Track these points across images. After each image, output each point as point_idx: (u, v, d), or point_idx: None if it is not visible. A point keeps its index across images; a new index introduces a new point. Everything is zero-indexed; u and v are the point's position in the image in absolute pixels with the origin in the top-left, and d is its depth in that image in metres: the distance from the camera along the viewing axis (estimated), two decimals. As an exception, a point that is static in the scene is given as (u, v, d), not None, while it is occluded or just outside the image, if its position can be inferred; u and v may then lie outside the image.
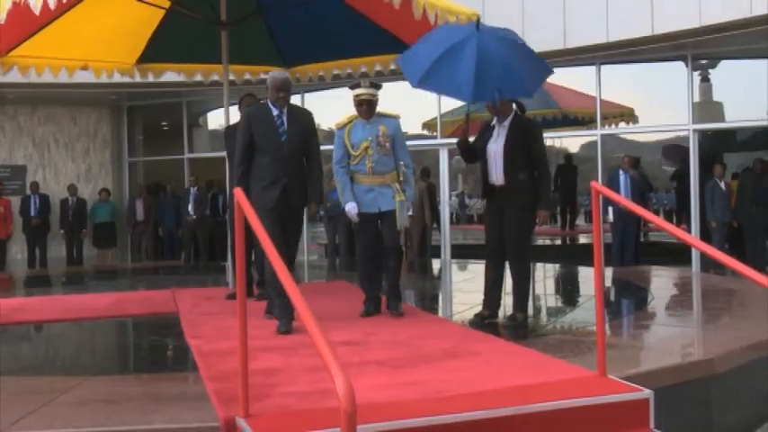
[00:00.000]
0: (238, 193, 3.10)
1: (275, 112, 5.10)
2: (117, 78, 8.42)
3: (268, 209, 4.97)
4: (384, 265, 5.58)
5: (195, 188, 13.55)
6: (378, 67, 8.01)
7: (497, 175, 5.40)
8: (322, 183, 5.48)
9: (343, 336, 4.72)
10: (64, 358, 5.12)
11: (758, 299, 6.06)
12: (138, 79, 8.56)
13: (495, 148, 5.41)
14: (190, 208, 13.50)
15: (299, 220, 5.35)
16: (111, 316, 6.40)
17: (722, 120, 12.69)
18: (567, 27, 10.84)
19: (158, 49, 7.97)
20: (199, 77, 8.53)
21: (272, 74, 5.21)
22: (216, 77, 8.27)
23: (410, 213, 6.48)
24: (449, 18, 6.18)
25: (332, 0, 6.95)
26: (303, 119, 5.23)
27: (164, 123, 16.62)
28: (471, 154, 5.65)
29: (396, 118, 5.58)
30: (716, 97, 12.60)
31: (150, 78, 8.53)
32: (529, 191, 5.37)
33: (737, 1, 9.71)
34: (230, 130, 6.61)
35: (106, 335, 6.03)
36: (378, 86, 5.47)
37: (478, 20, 5.67)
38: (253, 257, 6.37)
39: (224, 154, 6.94)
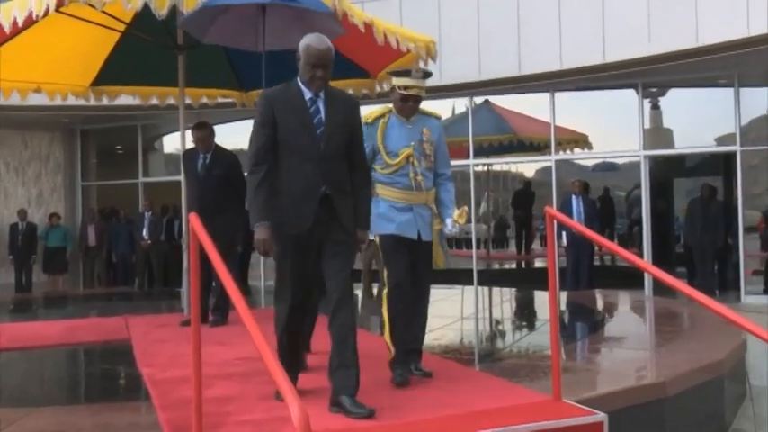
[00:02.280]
0: (193, 219, 3.07)
1: (308, 96, 3.64)
2: (71, 101, 8.30)
3: (298, 236, 3.59)
4: (411, 307, 4.24)
5: (150, 213, 13.38)
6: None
7: None
8: (371, 199, 4.01)
9: (310, 361, 4.67)
10: (10, 389, 4.97)
11: (708, 322, 6.18)
12: (92, 102, 8.45)
13: None
14: (144, 233, 13.31)
15: (347, 252, 3.68)
16: (61, 344, 6.24)
17: (672, 146, 12.99)
18: (522, 55, 11.03)
19: (113, 72, 7.88)
20: (154, 101, 8.45)
21: (307, 41, 3.63)
22: (172, 101, 8.20)
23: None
24: (409, 44, 6.26)
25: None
26: (346, 105, 3.76)
27: (118, 147, 16.42)
28: None
29: (438, 118, 4.44)
30: (666, 124, 12.90)
31: (105, 101, 8.43)
32: None
33: (685, 31, 10.01)
34: (188, 154, 6.55)
35: (56, 364, 5.88)
36: (429, 75, 4.25)
37: None
38: (212, 282, 6.28)
39: (180, 178, 6.87)
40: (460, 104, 13.52)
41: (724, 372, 4.86)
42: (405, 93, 4.16)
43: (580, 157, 13.60)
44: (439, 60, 6.72)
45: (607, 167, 15.49)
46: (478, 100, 13.24)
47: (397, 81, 4.20)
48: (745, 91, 11.54)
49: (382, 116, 4.22)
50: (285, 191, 3.61)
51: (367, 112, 4.17)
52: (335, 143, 3.65)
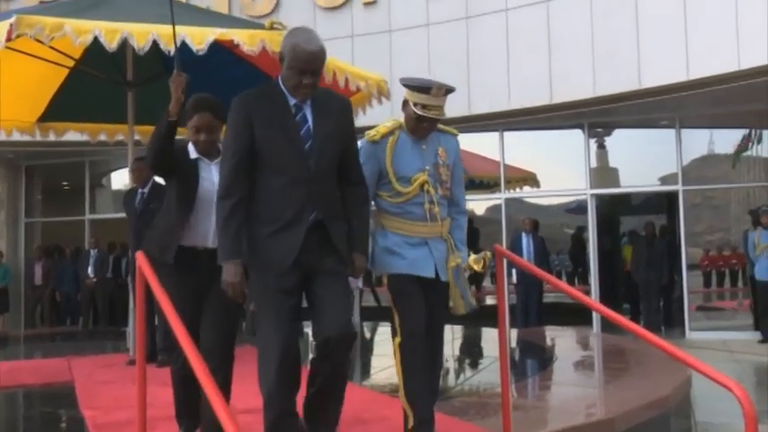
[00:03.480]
0: (140, 257, 3.01)
1: (293, 101, 3.01)
2: (16, 137, 8.15)
3: (282, 274, 2.95)
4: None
5: (95, 250, 13.12)
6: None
7: None
8: (369, 221, 3.38)
9: (250, 402, 4.59)
10: (-55, 433, 4.78)
11: (654, 358, 6.27)
12: (38, 138, 8.31)
13: None
14: (89, 270, 13.03)
15: (343, 284, 3.13)
16: (0, 387, 6.03)
17: (617, 185, 13.29)
18: (472, 95, 11.21)
19: (61, 108, 7.78)
20: (103, 137, 8.35)
21: (294, 39, 2.98)
22: (121, 137, 8.11)
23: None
24: (359, 83, 6.32)
25: (241, 64, 6.98)
26: (337, 109, 3.12)
27: (64, 183, 16.10)
28: None
29: (455, 136, 3.75)
30: (611, 163, 13.21)
31: (51, 137, 8.29)
32: None
33: (628, 74, 10.30)
34: (129, 194, 6.53)
35: (-6, 406, 5.67)
36: (452, 91, 3.54)
37: None
38: (156, 322, 6.16)
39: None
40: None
41: (670, 408, 4.94)
42: (421, 113, 3.44)
43: (529, 194, 13.81)
44: (391, 98, 6.78)
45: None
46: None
47: (412, 96, 3.48)
48: (686, 132, 11.92)
49: (391, 133, 3.51)
50: (264, 219, 2.97)
51: (373, 127, 3.59)
52: (327, 158, 3.01)
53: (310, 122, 3.01)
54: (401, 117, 3.56)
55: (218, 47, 5.66)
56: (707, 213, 13.97)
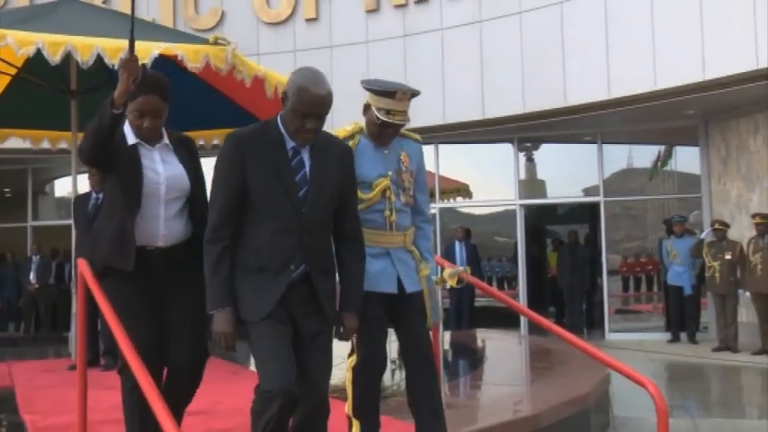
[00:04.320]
0: (81, 263, 2.95)
1: (290, 144, 2.71)
2: (-44, 144, 7.85)
3: (261, 321, 2.64)
4: (412, 386, 3.22)
5: (38, 256, 12.73)
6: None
7: None
8: (363, 278, 2.93)
9: (193, 405, 4.52)
10: None
11: (576, 358, 6.41)
12: (-21, 145, 8.02)
13: None
14: (31, 276, 12.64)
15: (326, 347, 2.78)
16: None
17: (544, 196, 13.55)
18: (409, 110, 11.31)
19: (3, 115, 7.51)
20: (46, 144, 8.11)
21: (301, 82, 2.68)
22: (64, 145, 7.90)
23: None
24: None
25: (185, 74, 6.89)
26: (337, 157, 2.81)
27: (7, 190, 15.58)
28: None
29: (419, 141, 3.47)
30: (539, 175, 13.47)
31: (-7, 144, 8.01)
32: None
33: (555, 92, 10.54)
34: (80, 199, 6.35)
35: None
36: (417, 94, 3.26)
37: None
38: (99, 326, 6.02)
39: (70, 221, 6.60)
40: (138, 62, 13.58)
41: (590, 404, 5.05)
42: (385, 119, 3.15)
43: (462, 204, 13.98)
44: (331, 112, 6.77)
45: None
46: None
47: (374, 101, 3.18)
48: (607, 147, 12.25)
49: (351, 137, 3.22)
50: (247, 267, 2.65)
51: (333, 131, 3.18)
52: (323, 207, 2.71)
53: (307, 168, 2.69)
54: (358, 121, 3.33)
55: (161, 57, 5.58)
56: (626, 223, 14.34)
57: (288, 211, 2.65)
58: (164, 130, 3.03)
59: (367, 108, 3.27)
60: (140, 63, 2.81)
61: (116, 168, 2.93)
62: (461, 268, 3.54)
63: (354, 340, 3.10)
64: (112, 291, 2.88)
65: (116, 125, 2.78)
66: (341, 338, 2.85)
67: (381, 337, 3.15)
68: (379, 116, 3.16)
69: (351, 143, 3.17)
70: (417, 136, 3.47)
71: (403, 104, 3.19)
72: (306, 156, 2.71)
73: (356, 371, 3.17)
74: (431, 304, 3.30)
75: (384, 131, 3.22)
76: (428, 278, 3.30)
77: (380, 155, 3.26)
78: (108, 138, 2.79)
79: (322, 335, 2.71)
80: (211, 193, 2.74)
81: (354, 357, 3.18)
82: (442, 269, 3.58)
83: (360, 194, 3.09)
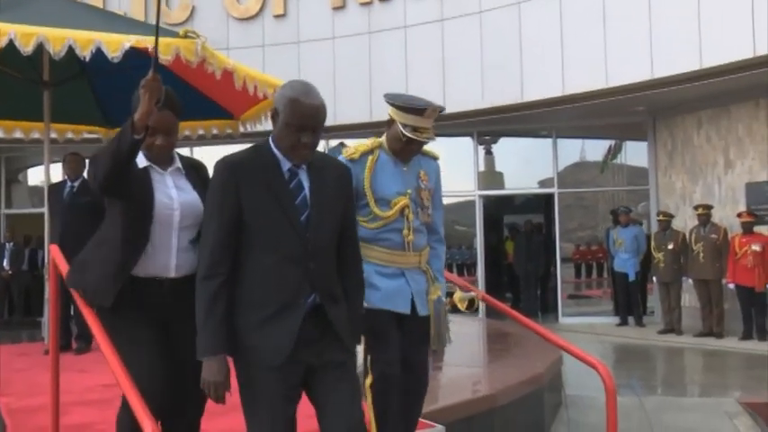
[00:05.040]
0: (54, 250, 2.89)
1: (286, 166, 2.42)
2: (-72, 132, 7.63)
3: (279, 372, 2.29)
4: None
5: (11, 243, 12.48)
6: (200, 131, 7.85)
7: None
8: (363, 303, 2.65)
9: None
10: None
11: (531, 340, 6.49)
12: (-49, 134, 7.81)
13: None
14: (5, 263, 12.38)
15: (352, 376, 2.44)
16: None
17: (503, 187, 13.66)
18: (373, 102, 11.28)
19: (-25, 105, 7.32)
20: (18, 134, 7.91)
21: (291, 93, 2.37)
22: (37, 135, 7.72)
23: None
24: (267, 90, 6.23)
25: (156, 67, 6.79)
26: (335, 176, 2.52)
27: (-21, 178, 15.19)
28: None
29: (437, 159, 3.28)
30: (497, 168, 13.56)
31: (-35, 133, 7.80)
32: None
33: (512, 88, 10.61)
34: (54, 187, 6.24)
35: None
36: (442, 110, 3.05)
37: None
38: (72, 311, 5.92)
39: (43, 210, 6.47)
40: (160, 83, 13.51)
41: (544, 383, 5.11)
42: (411, 136, 2.95)
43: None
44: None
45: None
46: (334, 142, 13.38)
47: (400, 117, 2.95)
48: (561, 141, 12.39)
49: (371, 152, 3.01)
50: (251, 304, 2.32)
51: (352, 145, 3.08)
52: (327, 231, 2.42)
53: (306, 190, 2.39)
54: (377, 136, 3.09)
55: (133, 50, 5.48)
56: (578, 213, 14.53)
57: (291, 238, 2.33)
58: (175, 153, 2.72)
59: (391, 123, 3.03)
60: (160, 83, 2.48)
61: (127, 194, 2.56)
62: (474, 293, 3.31)
63: (369, 361, 2.91)
64: (117, 322, 2.56)
65: (136, 151, 2.47)
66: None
67: (395, 350, 2.92)
68: (405, 133, 2.94)
69: (369, 158, 2.99)
70: (436, 153, 3.26)
71: (430, 121, 2.99)
72: (303, 177, 2.40)
73: (374, 389, 2.91)
74: (437, 329, 3.07)
75: (407, 148, 3.01)
76: (438, 300, 3.08)
77: (400, 171, 3.03)
78: (127, 164, 2.48)
79: (344, 365, 2.39)
80: (204, 225, 2.41)
81: (370, 377, 2.93)
82: (452, 293, 3.32)
83: (377, 212, 2.95)
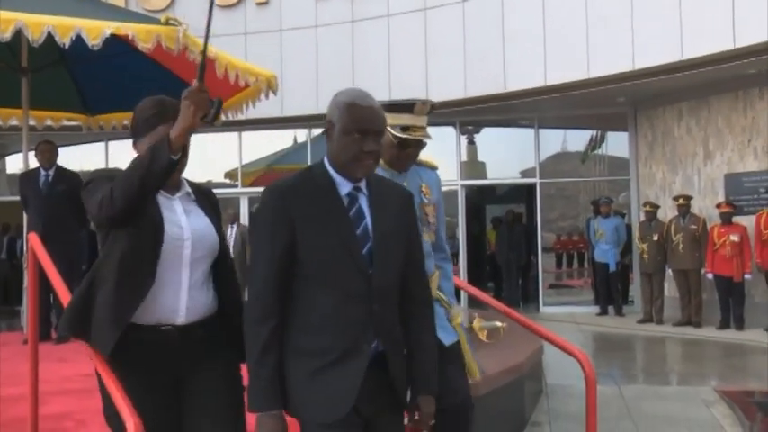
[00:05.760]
0: (32, 238, 2.86)
1: (345, 190, 2.12)
2: None
3: (331, 428, 2.01)
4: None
5: (-11, 232, 12.34)
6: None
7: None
8: (436, 351, 2.28)
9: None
10: None
11: (512, 329, 6.52)
12: (-73, 120, 7.67)
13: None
14: (-17, 252, 12.25)
15: None
16: None
17: (485, 177, 13.69)
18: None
19: (-49, 92, 7.20)
20: (-4, 121, 7.81)
21: (346, 98, 2.12)
22: (15, 122, 7.61)
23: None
24: (249, 79, 6.20)
25: (136, 54, 6.72)
26: (397, 200, 2.21)
27: (-43, 166, 15.00)
28: None
29: (436, 169, 3.03)
30: (479, 158, 13.59)
31: (-58, 120, 7.68)
32: None
33: (495, 79, 10.63)
34: (28, 175, 6.17)
35: None
36: (436, 108, 2.87)
37: None
38: (52, 300, 5.87)
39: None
40: (301, 135, 13.56)
41: (525, 372, 5.15)
42: (405, 136, 2.69)
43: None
44: (281, 93, 6.71)
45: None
46: (317, 131, 13.34)
47: (391, 119, 2.59)
48: (543, 131, 12.44)
49: None
50: (307, 350, 2.03)
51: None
52: (392, 267, 2.12)
53: (368, 219, 2.09)
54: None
55: (113, 37, 5.41)
56: (559, 203, 14.61)
57: (353, 274, 2.04)
58: (183, 177, 2.32)
59: (389, 135, 2.70)
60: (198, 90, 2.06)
61: (136, 224, 2.12)
62: (500, 324, 2.99)
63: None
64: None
65: (172, 172, 2.06)
66: (416, 426, 2.20)
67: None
68: (396, 134, 2.68)
69: None
70: (434, 163, 3.00)
71: (422, 119, 2.74)
72: (364, 203, 2.11)
73: None
74: (472, 354, 2.80)
75: (404, 153, 2.73)
76: (462, 325, 2.80)
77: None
78: (157, 190, 2.11)
79: (396, 425, 2.16)
80: (252, 261, 2.09)
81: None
82: (471, 320, 2.98)
83: None
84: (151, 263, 2.12)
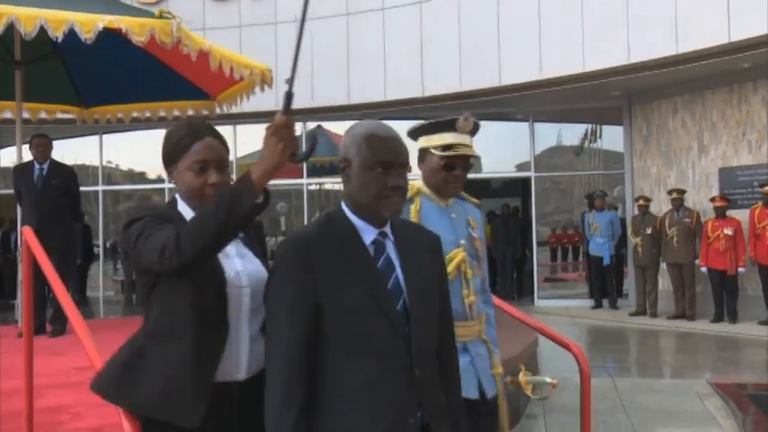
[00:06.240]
0: (26, 232, 2.85)
1: (369, 237, 1.84)
2: None
3: None
4: None
5: (-17, 225, 12.30)
6: (176, 112, 7.78)
7: None
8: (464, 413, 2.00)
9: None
10: None
11: (507, 322, 6.53)
12: None
13: None
14: (-23, 245, 12.21)
15: None
16: None
17: (479, 170, 13.68)
18: (351, 85, 11.24)
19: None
20: (-10, 114, 7.77)
21: (365, 129, 1.87)
22: (9, 115, 7.59)
23: None
24: (244, 72, 6.18)
25: (130, 46, 6.70)
26: (426, 247, 1.96)
27: (-50, 159, 14.92)
28: None
29: (479, 206, 2.81)
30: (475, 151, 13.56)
31: (-65, 113, 7.64)
32: None
33: (490, 72, 10.61)
34: (21, 167, 6.16)
35: None
36: (478, 127, 2.60)
37: None
38: (47, 294, 5.86)
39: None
40: (296, 127, 13.54)
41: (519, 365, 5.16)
42: (450, 153, 2.49)
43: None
44: (275, 86, 6.69)
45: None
46: (312, 124, 13.32)
47: (431, 141, 2.51)
48: (538, 125, 12.45)
49: (411, 200, 2.47)
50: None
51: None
52: (431, 326, 1.85)
53: (398, 269, 1.82)
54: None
55: (106, 30, 5.40)
56: (554, 197, 14.64)
57: (388, 337, 1.74)
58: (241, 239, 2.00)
59: (423, 155, 2.56)
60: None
61: (198, 269, 1.82)
62: (550, 379, 2.78)
63: None
64: None
65: (254, 218, 1.77)
66: None
67: None
68: (441, 154, 2.50)
69: (411, 207, 2.46)
70: (476, 200, 2.79)
71: (466, 136, 2.53)
72: (392, 251, 1.84)
73: None
74: (506, 408, 2.57)
75: (451, 175, 2.51)
76: (502, 376, 2.59)
77: (448, 219, 2.53)
78: (236, 235, 1.82)
79: None
80: (270, 331, 1.77)
81: None
82: (519, 371, 2.74)
83: None
84: (222, 312, 1.87)
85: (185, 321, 1.83)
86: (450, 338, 1.96)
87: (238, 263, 1.94)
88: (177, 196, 1.97)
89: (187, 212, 1.92)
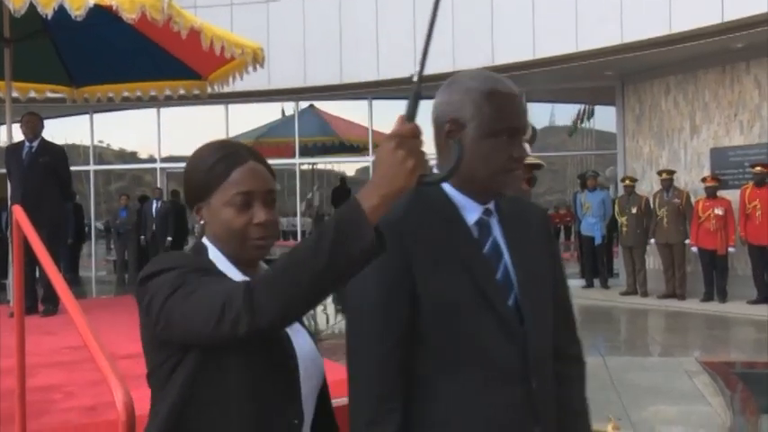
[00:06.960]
0: (17, 210, 2.84)
1: (473, 217, 1.45)
2: None
3: None
4: None
5: (-26, 205, 12.23)
6: (167, 92, 7.72)
7: None
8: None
9: (130, 348, 4.46)
10: None
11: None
12: None
13: None
14: (-32, 225, 12.16)
15: None
16: None
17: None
18: (344, 64, 11.18)
19: (-67, 63, 7.09)
20: (-22, 93, 7.70)
21: (479, 82, 1.49)
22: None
23: None
24: (235, 51, 6.13)
25: (120, 24, 6.62)
26: (535, 224, 1.56)
27: (-61, 138, 14.79)
28: None
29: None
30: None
31: (-77, 91, 7.56)
32: None
33: (483, 51, 10.58)
34: (12, 147, 6.13)
35: None
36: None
37: None
38: (38, 273, 5.85)
39: (4, 170, 6.35)
40: (288, 107, 13.48)
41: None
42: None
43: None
44: (267, 66, 6.65)
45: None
46: (304, 104, 13.26)
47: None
48: (531, 105, 12.42)
49: None
50: None
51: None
52: (547, 321, 1.52)
53: (506, 255, 1.47)
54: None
55: (96, 7, 5.33)
56: (547, 177, 14.68)
57: (500, 341, 1.41)
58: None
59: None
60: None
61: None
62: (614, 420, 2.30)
63: None
64: None
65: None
66: None
67: None
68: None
69: None
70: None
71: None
72: (498, 233, 1.48)
73: None
74: None
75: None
76: None
77: None
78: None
79: None
80: (354, 337, 1.44)
81: None
82: None
83: None
84: (293, 395, 1.39)
85: (235, 395, 1.32)
86: (573, 343, 1.63)
87: (303, 337, 1.46)
88: (206, 241, 1.44)
89: (224, 265, 1.41)
